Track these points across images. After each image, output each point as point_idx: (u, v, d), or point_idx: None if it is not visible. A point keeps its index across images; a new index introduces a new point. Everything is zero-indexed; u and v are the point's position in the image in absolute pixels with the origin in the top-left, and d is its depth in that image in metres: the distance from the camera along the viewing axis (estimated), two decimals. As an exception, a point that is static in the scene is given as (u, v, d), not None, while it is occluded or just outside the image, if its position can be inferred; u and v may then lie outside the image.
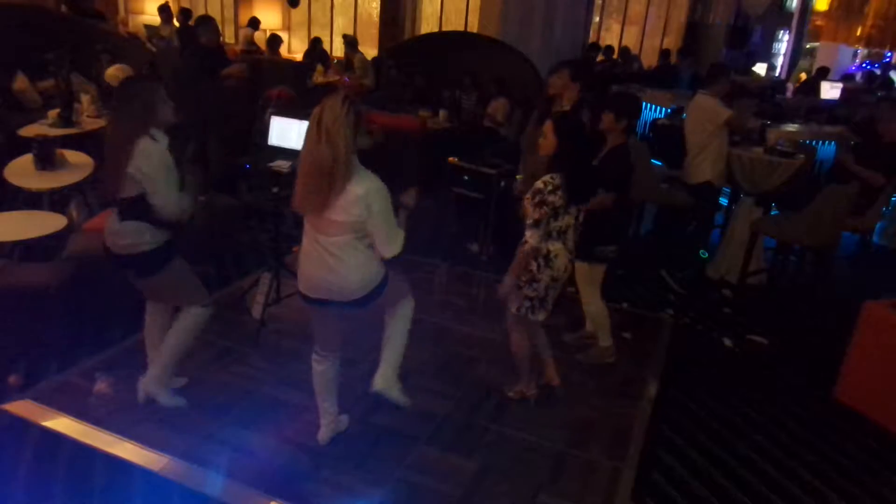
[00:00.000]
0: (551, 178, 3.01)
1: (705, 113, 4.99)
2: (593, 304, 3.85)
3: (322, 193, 2.54)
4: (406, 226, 2.85)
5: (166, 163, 2.81)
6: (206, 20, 6.38)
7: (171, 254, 2.97)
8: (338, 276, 2.67)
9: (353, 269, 2.68)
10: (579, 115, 3.84)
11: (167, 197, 2.82)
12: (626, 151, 3.69)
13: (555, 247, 3.09)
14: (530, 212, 3.01)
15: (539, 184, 3.01)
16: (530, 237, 3.04)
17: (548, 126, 3.11)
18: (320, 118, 2.51)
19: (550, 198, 2.98)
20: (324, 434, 3.06)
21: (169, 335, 3.14)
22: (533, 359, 3.44)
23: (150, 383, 3.19)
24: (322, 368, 2.95)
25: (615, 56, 11.38)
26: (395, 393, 3.10)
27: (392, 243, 2.67)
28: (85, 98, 5.95)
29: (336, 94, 2.60)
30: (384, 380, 3.05)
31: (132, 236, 2.86)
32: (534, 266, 3.10)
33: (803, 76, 12.33)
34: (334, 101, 2.53)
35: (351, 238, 2.63)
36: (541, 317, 3.22)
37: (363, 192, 2.55)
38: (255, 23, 12.07)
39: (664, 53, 11.27)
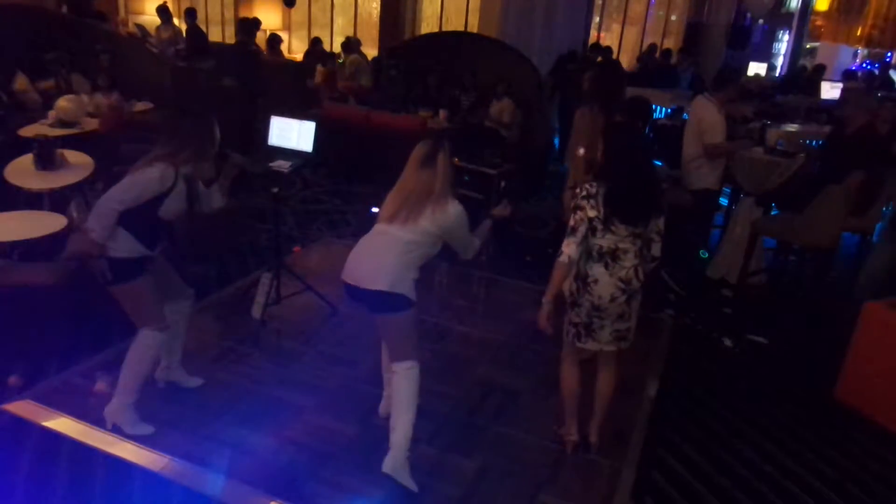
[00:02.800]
0: (589, 184, 2.82)
1: (701, 124, 4.93)
2: None
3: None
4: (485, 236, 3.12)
5: None
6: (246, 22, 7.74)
7: (136, 271, 2.90)
8: (378, 260, 2.76)
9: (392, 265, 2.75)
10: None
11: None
12: None
13: (595, 271, 2.81)
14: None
15: (578, 188, 2.89)
16: (566, 246, 2.80)
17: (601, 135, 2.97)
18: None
19: (582, 202, 2.79)
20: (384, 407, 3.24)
21: (126, 358, 3.03)
22: (581, 401, 3.15)
23: (113, 411, 3.05)
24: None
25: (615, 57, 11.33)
26: (404, 478, 2.86)
27: None
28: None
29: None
30: (393, 463, 2.85)
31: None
32: (574, 287, 2.90)
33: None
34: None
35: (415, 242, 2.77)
36: (590, 345, 2.95)
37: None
38: (255, 23, 12.05)
39: (665, 53, 11.23)
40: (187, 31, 9.27)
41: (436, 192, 2.77)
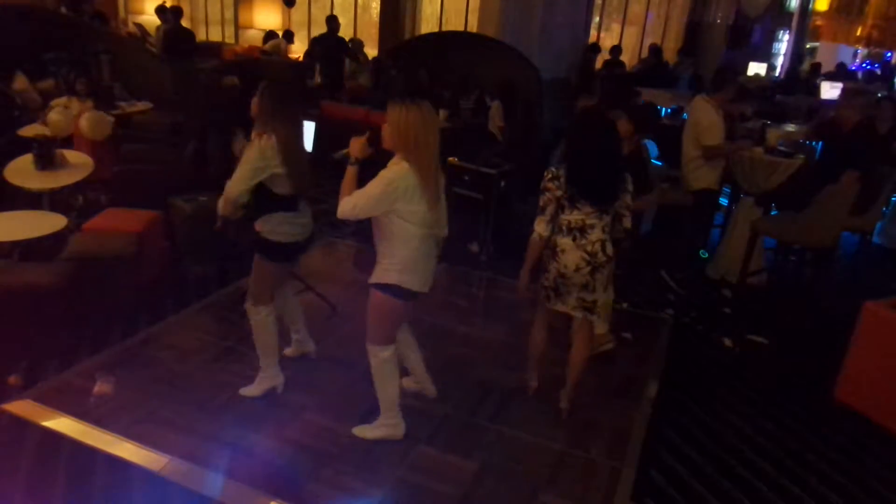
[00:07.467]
0: (555, 167, 3.09)
1: (699, 125, 4.94)
2: None
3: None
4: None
5: None
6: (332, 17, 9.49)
7: (281, 257, 3.40)
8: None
9: None
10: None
11: None
12: (641, 157, 3.85)
13: (562, 241, 3.07)
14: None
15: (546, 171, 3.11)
16: (537, 224, 3.10)
17: None
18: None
19: (549, 185, 3.05)
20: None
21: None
22: (542, 356, 3.49)
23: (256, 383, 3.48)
24: (391, 353, 3.11)
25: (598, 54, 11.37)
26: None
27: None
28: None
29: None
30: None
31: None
32: (544, 254, 3.16)
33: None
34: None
35: None
36: (559, 307, 3.20)
37: None
38: (289, 35, 12.03)
39: (656, 52, 11.16)
40: (168, 29, 9.10)
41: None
